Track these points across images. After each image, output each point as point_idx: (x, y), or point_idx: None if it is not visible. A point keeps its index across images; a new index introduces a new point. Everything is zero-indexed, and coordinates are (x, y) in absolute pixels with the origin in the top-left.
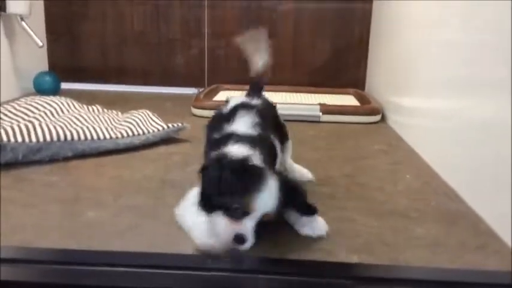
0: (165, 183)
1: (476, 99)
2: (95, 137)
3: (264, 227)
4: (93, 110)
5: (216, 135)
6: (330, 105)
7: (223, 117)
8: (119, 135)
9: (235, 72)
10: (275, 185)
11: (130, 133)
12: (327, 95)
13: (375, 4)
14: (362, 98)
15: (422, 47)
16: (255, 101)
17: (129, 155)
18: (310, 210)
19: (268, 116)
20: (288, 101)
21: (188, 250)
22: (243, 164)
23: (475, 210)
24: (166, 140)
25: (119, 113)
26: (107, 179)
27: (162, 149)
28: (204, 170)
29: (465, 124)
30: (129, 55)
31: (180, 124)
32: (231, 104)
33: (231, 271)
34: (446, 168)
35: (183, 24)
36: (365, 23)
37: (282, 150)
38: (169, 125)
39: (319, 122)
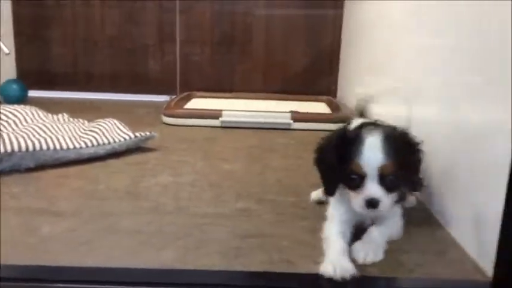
0: (129, 194)
1: (454, 106)
2: (58, 147)
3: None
4: (58, 119)
5: None
6: (301, 113)
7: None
8: (83, 145)
9: (208, 79)
10: (377, 140)
11: (95, 143)
12: (298, 103)
13: (346, 9)
14: (334, 106)
15: (392, 53)
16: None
17: (94, 165)
18: (414, 184)
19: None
20: (258, 109)
21: (150, 264)
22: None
23: (438, 219)
24: (135, 149)
25: (86, 122)
26: (68, 190)
27: (129, 158)
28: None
29: (436, 131)
30: (99, 61)
31: (148, 133)
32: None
33: (197, 285)
34: None
35: (155, 29)
36: (336, 29)
37: None
38: (137, 134)
39: (290, 129)
